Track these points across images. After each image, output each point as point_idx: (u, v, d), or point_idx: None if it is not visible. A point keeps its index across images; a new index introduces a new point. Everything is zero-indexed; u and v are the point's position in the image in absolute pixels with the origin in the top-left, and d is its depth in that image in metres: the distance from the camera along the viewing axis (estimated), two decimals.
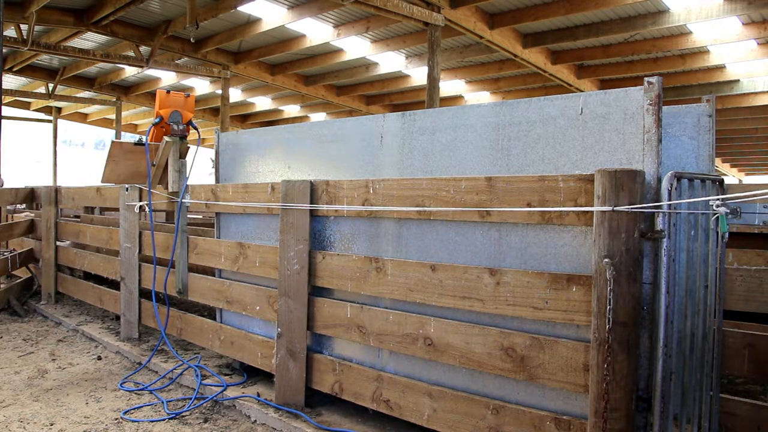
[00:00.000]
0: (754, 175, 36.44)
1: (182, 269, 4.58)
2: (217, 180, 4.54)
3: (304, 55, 14.49)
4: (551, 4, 10.65)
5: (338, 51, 13.91)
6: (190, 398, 3.85)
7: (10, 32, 12.24)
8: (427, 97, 10.43)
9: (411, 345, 2.99)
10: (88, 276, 6.88)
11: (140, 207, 5.00)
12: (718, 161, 27.81)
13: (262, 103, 20.75)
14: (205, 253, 4.40)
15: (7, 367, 4.61)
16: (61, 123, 23.92)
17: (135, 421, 3.55)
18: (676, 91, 14.81)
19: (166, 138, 4.69)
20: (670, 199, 2.23)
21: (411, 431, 3.20)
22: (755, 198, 2.30)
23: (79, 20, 11.72)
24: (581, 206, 2.40)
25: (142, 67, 14.10)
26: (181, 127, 4.73)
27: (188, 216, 4.85)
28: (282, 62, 15.30)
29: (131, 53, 13.75)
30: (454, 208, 2.82)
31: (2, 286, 7.09)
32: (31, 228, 7.18)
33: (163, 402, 3.83)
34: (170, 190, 4.72)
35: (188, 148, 4.83)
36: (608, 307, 2.21)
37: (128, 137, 22.03)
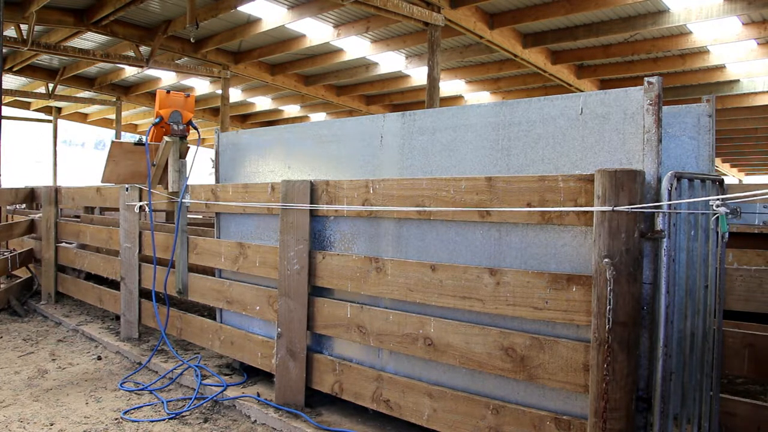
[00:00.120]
0: (754, 175, 36.45)
1: (182, 269, 4.58)
2: (217, 180, 4.54)
3: (304, 55, 14.50)
4: (551, 4, 10.65)
5: (338, 51, 13.92)
6: (190, 398, 3.85)
7: (10, 32, 12.25)
8: (427, 97, 10.43)
9: (411, 345, 2.99)
10: (89, 276, 6.88)
11: (140, 207, 5.00)
12: (718, 161, 27.81)
13: (262, 103, 20.75)
14: (205, 253, 4.40)
15: (7, 367, 4.61)
16: (61, 123, 23.93)
17: (135, 421, 3.55)
18: (676, 91, 14.81)
19: (166, 138, 4.69)
20: (670, 199, 2.23)
21: (411, 431, 3.20)
22: (755, 198, 2.30)
23: (79, 20, 11.72)
24: (581, 206, 2.40)
25: (142, 67, 14.11)
26: (181, 127, 4.73)
27: (188, 216, 4.86)
28: (282, 62, 15.30)
29: (131, 53, 13.76)
30: (454, 208, 2.82)
31: (2, 286, 7.09)
32: (31, 228, 7.18)
33: (163, 402, 3.83)
34: (170, 190, 4.72)
35: (188, 148, 4.83)
36: (608, 307, 2.21)
37: (128, 137, 22.04)
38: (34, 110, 22.94)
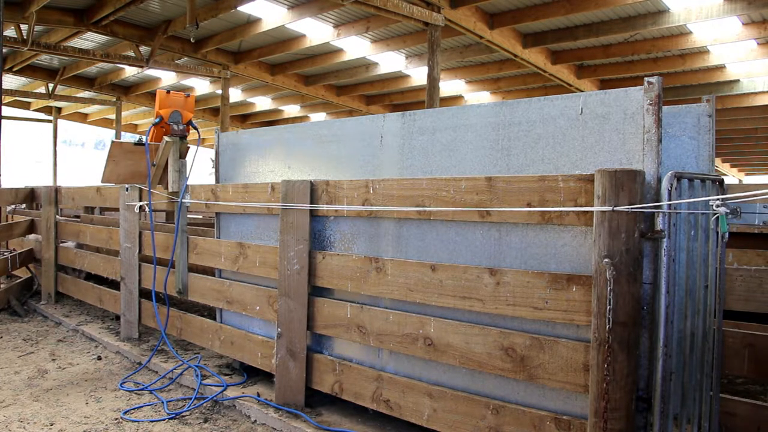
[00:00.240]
0: (754, 175, 36.44)
1: (182, 269, 4.58)
2: (217, 180, 4.54)
3: (304, 55, 14.50)
4: (551, 4, 10.65)
5: (338, 51, 13.92)
6: (190, 398, 3.85)
7: (10, 32, 12.25)
8: (427, 97, 10.43)
9: (411, 345, 2.99)
10: (89, 276, 6.88)
11: (140, 207, 5.00)
12: (718, 161, 27.81)
13: (262, 103, 20.75)
14: (205, 253, 4.40)
15: (7, 367, 4.61)
16: (61, 123, 23.92)
17: (135, 421, 3.55)
18: (676, 91, 14.81)
19: (166, 138, 4.69)
20: (670, 199, 2.23)
21: (411, 431, 3.20)
22: (755, 198, 2.30)
23: (79, 20, 11.72)
24: (581, 206, 2.40)
25: (142, 67, 14.10)
26: (181, 127, 4.74)
27: (188, 216, 4.85)
28: (282, 62, 15.30)
29: (131, 53, 13.76)
30: (454, 208, 2.82)
31: (2, 286, 7.09)
32: (31, 228, 7.18)
33: (163, 402, 3.83)
34: (170, 190, 4.72)
35: (188, 148, 4.83)
36: (608, 307, 2.21)
37: (128, 137, 22.04)
38: (34, 110, 22.94)
